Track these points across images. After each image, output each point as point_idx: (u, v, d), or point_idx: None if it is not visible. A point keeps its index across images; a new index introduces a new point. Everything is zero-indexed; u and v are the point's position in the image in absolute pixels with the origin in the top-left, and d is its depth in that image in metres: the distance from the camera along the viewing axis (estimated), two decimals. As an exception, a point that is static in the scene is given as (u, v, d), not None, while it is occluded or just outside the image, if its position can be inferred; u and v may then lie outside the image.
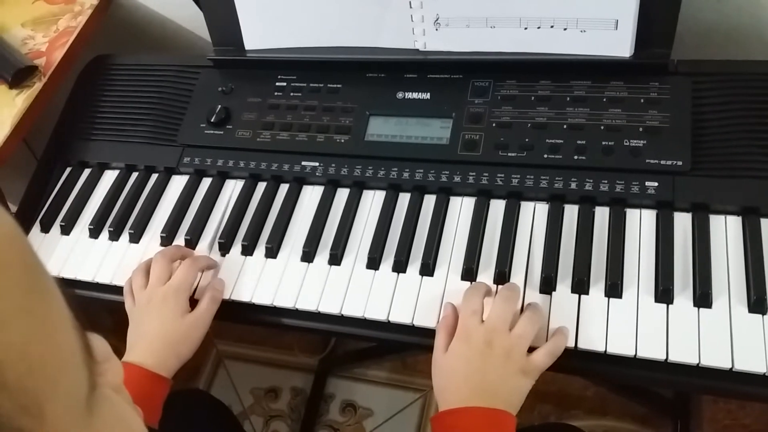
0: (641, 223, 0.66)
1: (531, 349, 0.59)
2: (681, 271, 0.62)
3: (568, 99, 0.72)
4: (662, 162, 0.66)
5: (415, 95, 0.77)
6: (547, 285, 0.64)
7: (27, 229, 0.84)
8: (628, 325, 0.60)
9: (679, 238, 0.64)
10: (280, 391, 1.37)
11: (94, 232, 0.81)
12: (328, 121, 0.79)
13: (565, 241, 0.66)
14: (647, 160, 0.66)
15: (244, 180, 0.80)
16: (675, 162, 0.66)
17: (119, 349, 0.68)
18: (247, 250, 0.74)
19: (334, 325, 0.69)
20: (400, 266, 0.68)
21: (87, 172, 0.88)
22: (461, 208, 0.71)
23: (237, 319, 0.73)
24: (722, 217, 0.64)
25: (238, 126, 0.82)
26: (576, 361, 0.60)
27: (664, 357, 0.58)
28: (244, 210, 0.78)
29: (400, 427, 1.28)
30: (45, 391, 0.22)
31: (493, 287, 0.65)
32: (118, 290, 0.75)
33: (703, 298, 0.59)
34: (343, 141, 0.77)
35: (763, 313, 0.58)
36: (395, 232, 0.71)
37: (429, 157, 0.73)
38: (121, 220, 0.81)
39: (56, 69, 0.89)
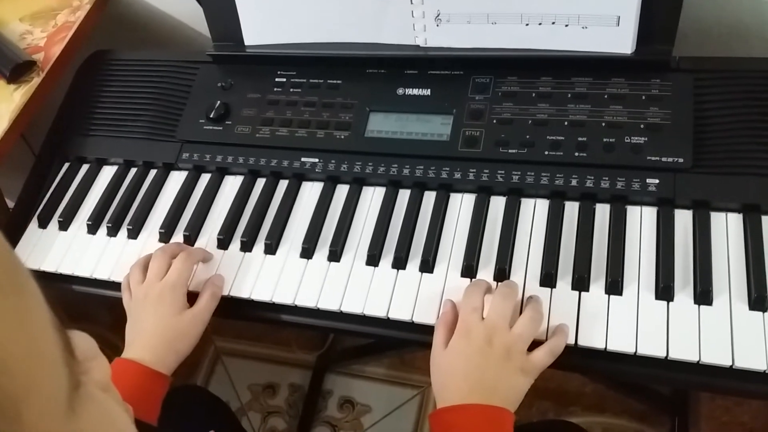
0: (642, 221, 0.66)
1: (532, 346, 0.59)
2: (681, 269, 0.62)
3: (569, 96, 0.72)
4: (663, 159, 0.66)
5: (415, 91, 0.77)
6: (548, 282, 0.64)
7: (24, 225, 0.84)
8: (628, 322, 0.60)
9: (680, 235, 0.64)
10: (278, 387, 1.37)
11: (92, 227, 0.81)
12: (328, 117, 0.78)
13: (565, 239, 0.66)
14: (648, 157, 0.66)
15: (243, 176, 0.80)
16: (676, 159, 0.65)
17: (118, 344, 0.69)
18: (246, 246, 0.74)
19: (334, 321, 0.69)
20: (399, 263, 0.68)
21: (85, 167, 0.87)
22: (461, 205, 0.71)
23: (236, 315, 0.73)
24: (723, 214, 0.64)
25: (238, 122, 0.81)
26: (576, 359, 0.60)
27: (665, 354, 0.57)
28: (243, 206, 0.77)
29: (398, 424, 1.28)
30: (22, 392, 0.21)
31: (494, 284, 0.65)
32: (116, 286, 0.75)
33: (703, 295, 0.59)
34: (342, 137, 0.77)
35: (764, 311, 0.58)
36: (395, 229, 0.71)
37: (429, 154, 0.73)
38: (119, 215, 0.80)
39: (54, 64, 0.89)
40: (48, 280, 0.80)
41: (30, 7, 0.97)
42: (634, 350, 0.58)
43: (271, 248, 0.73)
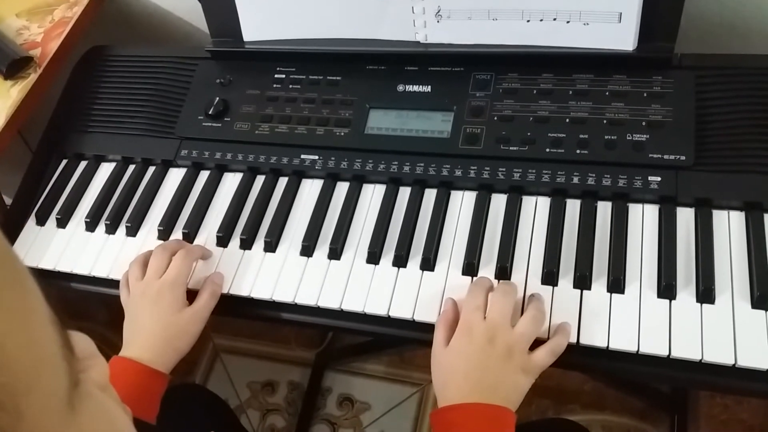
0: (644, 218, 0.65)
1: (533, 345, 0.59)
2: (684, 267, 0.61)
3: (570, 92, 0.71)
4: (665, 156, 0.65)
5: (415, 88, 0.76)
6: (549, 280, 0.63)
7: (22, 223, 0.83)
8: (630, 320, 0.60)
9: (682, 233, 0.63)
10: (277, 385, 1.37)
11: (91, 225, 0.80)
12: (328, 113, 0.78)
13: (567, 237, 0.66)
14: (650, 155, 0.66)
15: (242, 173, 0.79)
16: (678, 157, 0.65)
17: (115, 342, 0.68)
18: (246, 244, 0.73)
19: (334, 319, 0.68)
20: (400, 261, 0.68)
21: (83, 164, 0.87)
22: (462, 203, 0.71)
23: (236, 313, 0.72)
24: (725, 212, 0.64)
25: (237, 118, 0.81)
26: (578, 357, 0.60)
27: (667, 353, 0.57)
28: (243, 203, 0.77)
29: (397, 421, 1.28)
30: (22, 386, 0.21)
31: (496, 283, 0.65)
32: (114, 284, 0.75)
33: (705, 293, 0.59)
34: (342, 134, 0.76)
35: (766, 309, 0.58)
36: (395, 227, 0.70)
37: (430, 151, 0.73)
38: (117, 213, 0.80)
39: (52, 60, 0.88)
40: (46, 278, 0.79)
41: (27, 2, 0.96)
42: (636, 349, 0.58)
43: (270, 246, 0.72)
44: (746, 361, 0.56)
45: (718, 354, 0.56)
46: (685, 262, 0.62)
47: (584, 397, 1.23)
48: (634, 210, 0.66)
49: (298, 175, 0.77)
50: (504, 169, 0.70)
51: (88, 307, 1.46)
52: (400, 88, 0.77)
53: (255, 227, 0.74)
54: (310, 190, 0.76)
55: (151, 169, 0.83)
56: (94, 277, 0.77)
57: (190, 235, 0.76)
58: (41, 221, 0.83)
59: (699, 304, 0.59)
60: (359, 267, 0.69)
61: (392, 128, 0.75)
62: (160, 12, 1.03)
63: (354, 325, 0.68)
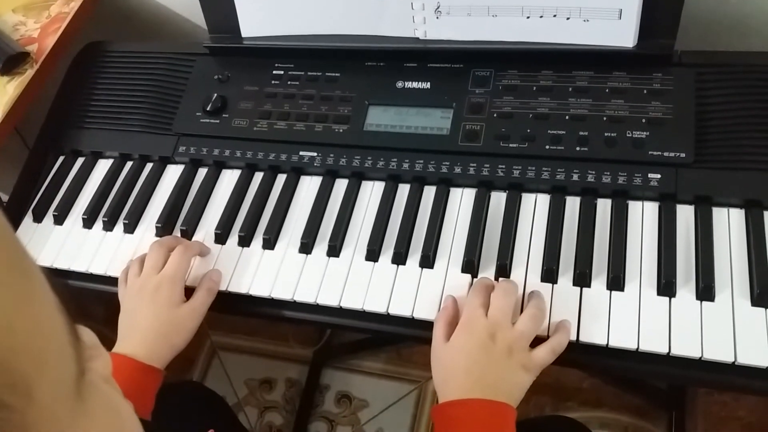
0: (644, 216, 0.65)
1: (534, 342, 0.59)
2: (683, 264, 0.61)
3: (570, 89, 0.71)
4: (665, 154, 0.65)
5: (415, 84, 0.76)
6: (549, 278, 0.63)
7: (19, 219, 0.83)
8: (630, 318, 0.60)
9: (682, 230, 0.63)
10: (274, 382, 1.37)
11: (88, 222, 0.80)
12: (327, 110, 0.77)
13: (566, 234, 0.66)
14: (650, 152, 0.66)
15: (240, 170, 0.79)
16: (678, 154, 0.65)
17: (112, 339, 0.68)
18: (244, 241, 0.73)
19: (333, 317, 0.68)
20: (399, 258, 0.68)
21: (80, 161, 0.86)
22: (462, 200, 0.70)
23: (234, 310, 0.72)
24: (725, 209, 0.64)
25: (235, 115, 0.80)
26: (577, 355, 0.60)
27: (667, 350, 0.57)
28: (241, 200, 0.77)
29: (395, 418, 1.28)
30: (32, 370, 0.21)
31: (496, 283, 0.64)
32: (112, 281, 0.74)
33: (705, 291, 0.59)
34: (341, 131, 0.76)
35: (766, 307, 0.58)
36: (395, 224, 0.70)
37: (429, 148, 0.72)
38: (115, 210, 0.79)
39: (48, 56, 0.87)
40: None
41: (23, -3, 0.96)
42: (635, 346, 0.58)
43: (269, 243, 0.72)
44: (746, 359, 0.55)
45: (718, 351, 0.56)
46: (685, 259, 0.62)
47: (582, 395, 1.23)
48: (634, 207, 0.66)
49: (296, 172, 0.77)
50: (503, 166, 0.69)
51: (85, 304, 1.46)
52: (400, 84, 0.77)
53: (253, 224, 0.74)
54: (308, 187, 0.76)
55: (149, 166, 0.83)
56: (91, 274, 0.76)
57: (188, 232, 0.75)
58: (38, 218, 0.82)
59: (699, 302, 0.59)
60: (358, 264, 0.69)
61: (391, 125, 0.75)
62: (157, 7, 1.03)
63: (353, 323, 0.68)
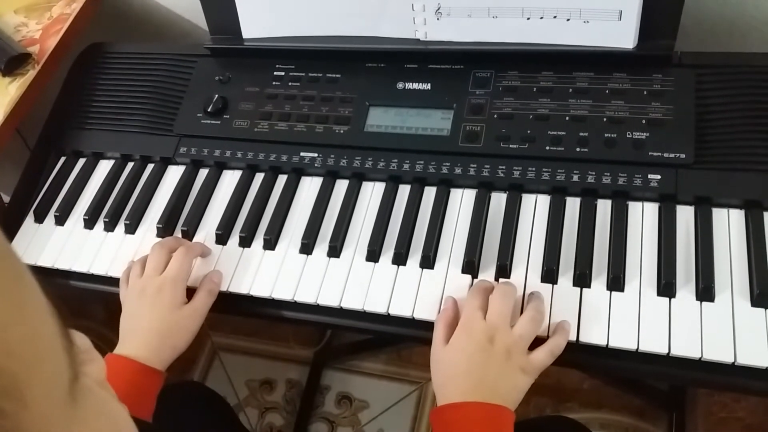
0: (644, 216, 0.65)
1: (533, 343, 0.59)
2: (683, 265, 0.61)
3: (570, 90, 0.71)
4: (665, 155, 0.65)
5: (415, 85, 0.76)
6: (549, 278, 0.63)
7: (20, 220, 0.83)
8: (630, 318, 0.60)
9: (682, 231, 0.63)
10: (275, 383, 1.37)
11: (89, 222, 0.80)
12: (327, 111, 0.78)
13: (566, 235, 0.66)
14: (650, 153, 0.66)
15: (241, 171, 0.79)
16: (678, 155, 0.65)
17: (113, 340, 0.68)
18: (245, 241, 0.73)
19: (334, 317, 0.68)
20: (400, 259, 0.68)
21: (81, 161, 0.87)
22: (462, 201, 0.71)
23: (235, 311, 0.72)
24: (725, 210, 0.64)
25: (236, 116, 0.81)
26: (577, 355, 0.60)
27: (667, 351, 0.57)
28: (242, 201, 0.77)
29: (395, 420, 1.28)
30: (25, 374, 0.21)
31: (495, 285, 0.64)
32: (113, 282, 0.74)
33: (705, 291, 0.59)
34: (342, 131, 0.76)
35: (766, 307, 0.58)
36: (395, 225, 0.70)
37: (429, 149, 0.73)
38: (116, 210, 0.80)
39: (50, 57, 0.88)
40: (44, 276, 0.79)
41: (25, -1, 0.96)
42: (635, 347, 0.58)
43: (270, 244, 0.72)
44: (746, 359, 0.56)
45: (718, 352, 0.56)
46: (685, 260, 0.62)
47: (583, 396, 1.23)
48: (634, 208, 0.66)
49: (297, 173, 0.77)
50: (504, 167, 0.69)
51: (86, 305, 1.46)
52: (400, 85, 0.77)
53: (254, 225, 0.74)
54: (309, 187, 0.76)
55: (150, 167, 0.83)
56: (92, 275, 0.76)
57: (189, 233, 0.76)
58: (39, 219, 0.82)
59: (698, 302, 0.59)
60: (359, 265, 0.69)
61: (392, 126, 0.75)
62: (158, 9, 1.03)
63: (353, 323, 0.68)
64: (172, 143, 0.82)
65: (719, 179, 0.64)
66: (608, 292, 0.62)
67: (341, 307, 0.67)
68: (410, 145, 0.73)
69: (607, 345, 0.59)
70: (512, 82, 0.73)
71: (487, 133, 0.71)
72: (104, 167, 0.85)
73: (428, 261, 0.67)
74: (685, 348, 0.57)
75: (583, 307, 0.61)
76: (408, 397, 1.30)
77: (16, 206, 0.84)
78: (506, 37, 0.73)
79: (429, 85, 0.76)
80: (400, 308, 0.65)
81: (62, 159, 0.87)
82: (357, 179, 0.74)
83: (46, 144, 0.89)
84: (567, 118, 0.70)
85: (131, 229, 0.78)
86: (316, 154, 0.76)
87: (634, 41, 0.69)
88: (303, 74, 0.81)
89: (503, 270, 0.65)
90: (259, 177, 0.78)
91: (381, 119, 0.76)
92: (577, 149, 0.68)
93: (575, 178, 0.67)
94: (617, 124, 0.68)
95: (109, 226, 0.79)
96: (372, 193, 0.73)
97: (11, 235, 0.82)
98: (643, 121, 0.67)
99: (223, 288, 0.71)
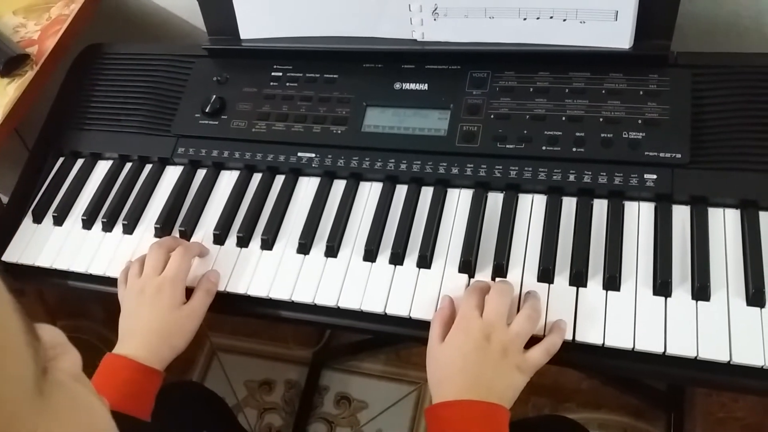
0: (640, 216, 0.65)
1: (529, 342, 0.59)
2: (679, 264, 0.62)
3: (566, 90, 0.71)
4: (661, 154, 0.66)
5: (412, 86, 0.76)
6: (545, 278, 0.63)
7: (19, 220, 0.83)
8: (626, 318, 0.60)
9: (678, 230, 0.64)
10: (274, 383, 1.37)
11: (88, 223, 0.80)
12: (325, 111, 0.78)
13: (563, 234, 0.66)
14: (646, 153, 0.66)
15: (239, 171, 0.79)
16: (674, 154, 0.65)
17: (112, 340, 0.68)
18: (243, 241, 0.73)
19: (331, 317, 0.68)
20: (397, 258, 0.68)
21: (80, 162, 0.87)
22: (459, 200, 0.71)
23: (232, 311, 0.72)
24: (721, 210, 0.64)
25: (233, 116, 0.81)
26: (573, 354, 0.60)
27: (662, 350, 0.57)
28: (240, 201, 0.77)
29: (394, 420, 1.28)
30: None
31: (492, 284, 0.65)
32: (111, 282, 0.75)
33: (701, 291, 0.59)
34: (339, 132, 0.76)
35: (762, 306, 0.58)
36: (392, 224, 0.70)
37: (426, 149, 0.73)
38: (114, 210, 0.80)
39: (48, 58, 0.88)
40: (43, 276, 0.79)
41: (24, 0, 0.96)
42: (631, 346, 0.58)
43: (267, 244, 0.72)
44: (741, 358, 0.56)
45: (714, 351, 0.57)
46: (681, 259, 0.62)
47: (581, 396, 1.23)
48: (630, 208, 0.66)
49: (294, 173, 0.77)
50: (500, 167, 0.70)
51: (85, 305, 1.46)
52: (397, 86, 0.77)
53: (252, 225, 0.74)
54: (306, 187, 0.76)
55: (148, 167, 0.83)
56: (90, 275, 0.77)
57: (186, 233, 0.76)
58: (38, 219, 0.83)
59: (694, 302, 0.59)
60: (356, 265, 0.69)
61: (389, 126, 0.75)
62: (157, 10, 1.03)
63: (351, 323, 0.68)
64: (170, 144, 0.82)
65: (715, 179, 0.64)
66: (604, 291, 0.62)
67: (338, 307, 0.67)
68: (407, 145, 0.74)
69: (603, 344, 0.59)
70: (509, 83, 0.74)
71: (483, 133, 0.72)
72: (102, 168, 0.85)
73: (425, 261, 0.67)
74: (681, 347, 0.57)
75: (580, 307, 0.61)
76: (407, 397, 1.30)
77: (15, 206, 0.84)
78: (503, 37, 0.73)
79: (426, 85, 0.76)
80: (397, 308, 0.65)
81: (60, 159, 0.88)
82: (354, 179, 0.75)
83: (45, 144, 0.89)
84: (563, 118, 0.70)
85: (129, 229, 0.78)
86: (313, 155, 0.76)
87: (630, 41, 0.69)
88: (300, 75, 0.81)
89: (500, 269, 0.65)
90: (256, 177, 0.78)
91: (378, 119, 0.76)
92: (574, 149, 0.68)
93: (572, 177, 0.67)
94: (613, 124, 0.68)
95: (108, 227, 0.79)
96: (369, 193, 0.74)
97: (10, 235, 0.82)
98: (640, 121, 0.68)
99: (221, 288, 0.71)
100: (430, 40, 0.77)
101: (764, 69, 0.67)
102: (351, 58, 0.80)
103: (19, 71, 0.87)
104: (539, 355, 0.58)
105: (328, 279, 0.68)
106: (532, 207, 0.69)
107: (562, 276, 0.63)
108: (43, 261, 0.78)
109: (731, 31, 0.79)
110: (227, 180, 0.79)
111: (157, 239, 0.76)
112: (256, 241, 0.73)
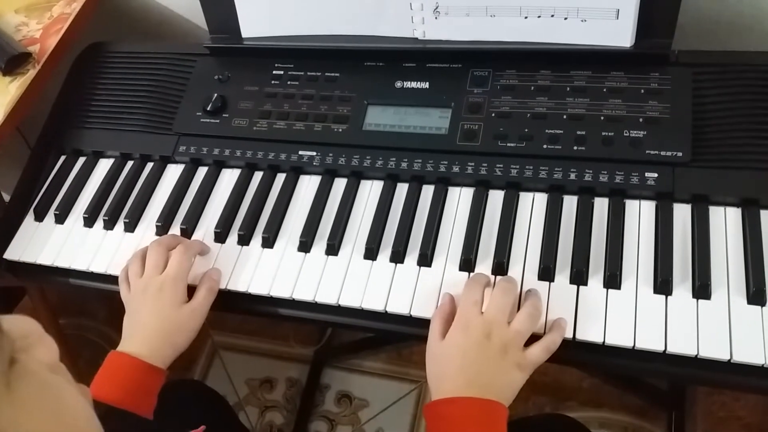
0: (640, 214, 0.65)
1: (529, 340, 0.59)
2: (680, 263, 0.62)
3: (568, 89, 0.71)
4: (662, 153, 0.66)
5: (413, 84, 0.77)
6: (546, 276, 0.63)
7: (21, 218, 0.83)
8: (626, 316, 0.60)
9: (679, 229, 0.64)
10: (275, 381, 1.37)
11: (89, 221, 0.80)
12: (326, 110, 0.78)
13: (563, 232, 0.66)
14: (647, 151, 0.66)
15: (240, 169, 0.79)
16: (675, 153, 0.65)
17: (114, 338, 0.68)
18: (244, 239, 0.74)
19: (331, 315, 0.68)
20: (397, 257, 0.68)
21: (81, 160, 0.87)
22: (460, 199, 0.71)
23: (233, 309, 0.72)
24: (722, 208, 0.64)
25: (235, 114, 0.81)
26: (574, 353, 0.60)
27: (663, 348, 0.57)
28: (241, 199, 0.77)
29: (395, 418, 1.28)
30: None
31: (492, 279, 0.65)
32: (113, 280, 0.75)
33: (702, 289, 0.59)
34: (340, 130, 0.76)
35: (762, 305, 0.58)
36: (393, 223, 0.70)
37: (427, 147, 0.73)
38: (116, 209, 0.80)
39: (50, 56, 0.88)
40: (44, 274, 0.80)
41: (26, -2, 0.96)
42: (632, 344, 0.58)
43: (268, 242, 0.72)
44: (742, 357, 0.56)
45: (714, 349, 0.56)
46: (682, 258, 0.62)
47: (582, 394, 1.23)
48: (631, 206, 0.66)
49: (295, 171, 0.77)
50: (501, 166, 0.70)
51: (86, 303, 1.46)
52: (398, 84, 0.77)
53: (253, 223, 0.74)
54: (307, 186, 0.76)
55: (149, 165, 0.83)
56: (92, 273, 0.77)
57: (188, 231, 0.76)
58: (40, 217, 0.83)
59: (695, 300, 0.59)
60: (357, 263, 0.69)
61: (390, 124, 0.75)
62: (158, 8, 1.03)
63: (351, 321, 0.68)
64: (171, 142, 0.82)
65: (716, 177, 0.64)
66: (605, 289, 0.62)
67: (339, 305, 0.67)
68: (408, 143, 0.74)
69: (604, 342, 0.59)
70: (510, 81, 0.74)
71: (484, 131, 0.72)
72: (104, 166, 0.85)
73: (426, 259, 0.67)
74: (682, 345, 0.57)
75: (580, 305, 0.61)
76: (407, 395, 1.30)
77: (17, 204, 0.85)
78: (504, 36, 0.73)
79: (427, 83, 0.76)
80: (398, 306, 0.65)
81: (62, 158, 0.88)
82: (355, 178, 0.75)
83: (47, 143, 0.89)
84: (564, 117, 0.70)
85: (130, 227, 0.78)
86: (314, 153, 0.76)
87: (631, 40, 0.69)
88: (302, 73, 0.81)
89: (500, 268, 0.65)
90: (257, 175, 0.78)
91: (379, 118, 0.76)
92: (575, 147, 0.68)
93: (572, 176, 0.67)
94: (614, 123, 0.68)
95: (109, 225, 0.79)
96: (370, 191, 0.74)
97: (11, 233, 0.82)
98: (641, 120, 0.68)
99: (222, 286, 0.71)
100: (431, 39, 0.77)
101: (765, 67, 0.67)
102: (352, 57, 0.80)
103: (21, 70, 0.87)
104: (539, 353, 0.58)
105: (329, 277, 0.69)
106: (532, 205, 0.69)
107: (562, 274, 0.63)
108: (45, 259, 0.79)
109: (733, 29, 0.79)
110: (228, 178, 0.79)
111: (158, 237, 0.76)
112: (257, 240, 0.73)
